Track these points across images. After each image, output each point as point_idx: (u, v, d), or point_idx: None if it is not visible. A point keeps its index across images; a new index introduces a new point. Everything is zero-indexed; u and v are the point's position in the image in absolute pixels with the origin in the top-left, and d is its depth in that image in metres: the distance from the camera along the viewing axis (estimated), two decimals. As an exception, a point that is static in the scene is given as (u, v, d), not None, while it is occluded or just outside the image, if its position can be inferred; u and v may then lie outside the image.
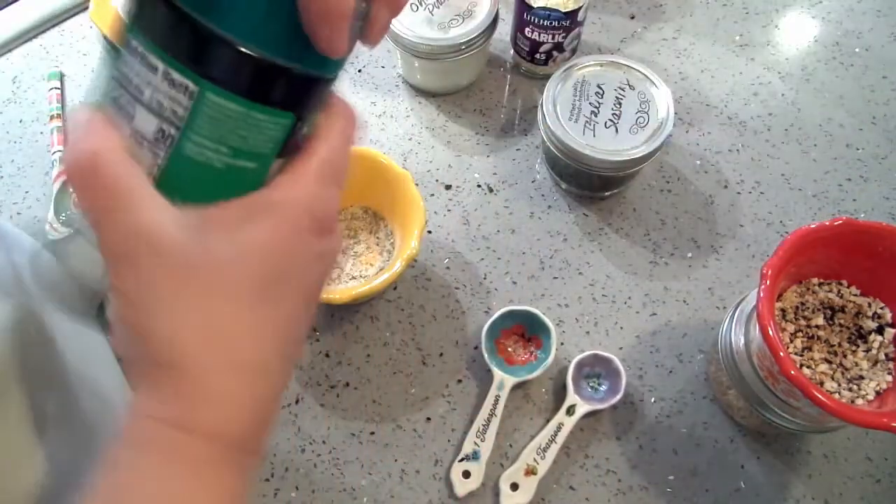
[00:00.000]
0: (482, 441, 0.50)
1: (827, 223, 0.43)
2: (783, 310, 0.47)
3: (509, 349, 0.54)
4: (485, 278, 0.58)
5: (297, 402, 0.53)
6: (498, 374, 0.52)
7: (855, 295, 0.47)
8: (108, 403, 0.42)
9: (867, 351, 0.45)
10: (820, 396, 0.38)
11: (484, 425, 0.51)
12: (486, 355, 0.52)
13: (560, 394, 0.53)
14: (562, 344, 0.55)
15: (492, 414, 0.51)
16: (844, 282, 0.48)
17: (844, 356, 0.45)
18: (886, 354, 0.45)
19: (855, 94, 0.68)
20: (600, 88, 0.57)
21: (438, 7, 0.62)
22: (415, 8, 0.62)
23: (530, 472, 0.49)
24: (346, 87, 0.69)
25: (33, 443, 0.34)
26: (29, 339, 0.35)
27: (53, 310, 0.42)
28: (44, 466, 0.34)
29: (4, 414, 0.32)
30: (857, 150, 0.65)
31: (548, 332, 0.53)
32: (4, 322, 0.33)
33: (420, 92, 0.68)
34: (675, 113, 0.59)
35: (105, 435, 0.38)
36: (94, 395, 0.40)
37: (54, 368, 0.37)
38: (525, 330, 0.55)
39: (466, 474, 0.49)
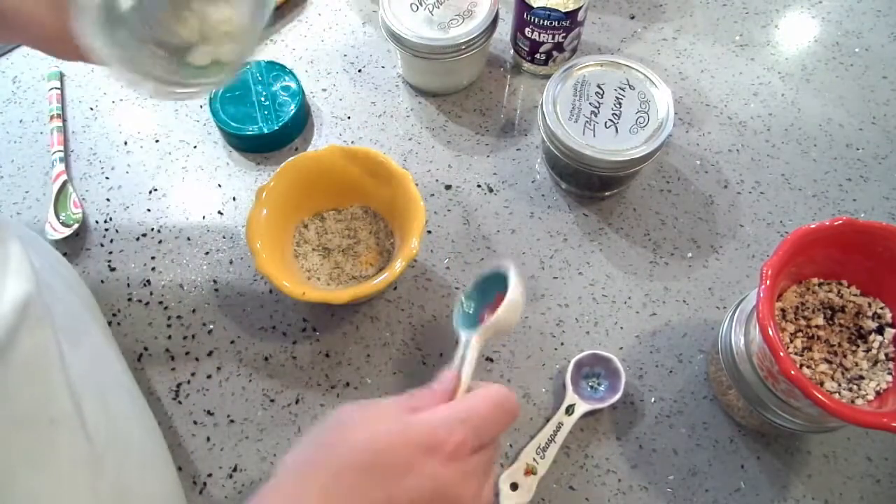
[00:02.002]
0: None
1: (827, 223, 0.43)
2: (783, 310, 0.47)
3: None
4: (485, 278, 0.58)
5: (297, 402, 0.53)
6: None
7: (855, 295, 0.47)
8: (109, 403, 0.42)
9: (867, 351, 0.45)
10: (820, 396, 0.38)
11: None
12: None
13: (559, 393, 0.53)
14: (562, 344, 0.55)
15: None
16: (844, 282, 0.48)
17: (844, 356, 0.45)
18: (886, 354, 0.45)
19: (855, 94, 0.68)
20: (600, 88, 0.57)
21: (438, 7, 0.62)
22: (415, 8, 0.62)
23: (530, 471, 0.49)
24: (346, 87, 0.69)
25: (37, 444, 0.34)
26: (36, 325, 0.35)
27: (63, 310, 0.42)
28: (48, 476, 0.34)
29: (2, 399, 0.32)
30: (857, 150, 0.65)
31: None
32: (18, 305, 0.33)
33: (420, 92, 0.68)
34: (675, 113, 0.59)
35: (108, 449, 0.38)
36: (93, 391, 0.40)
37: (58, 364, 0.37)
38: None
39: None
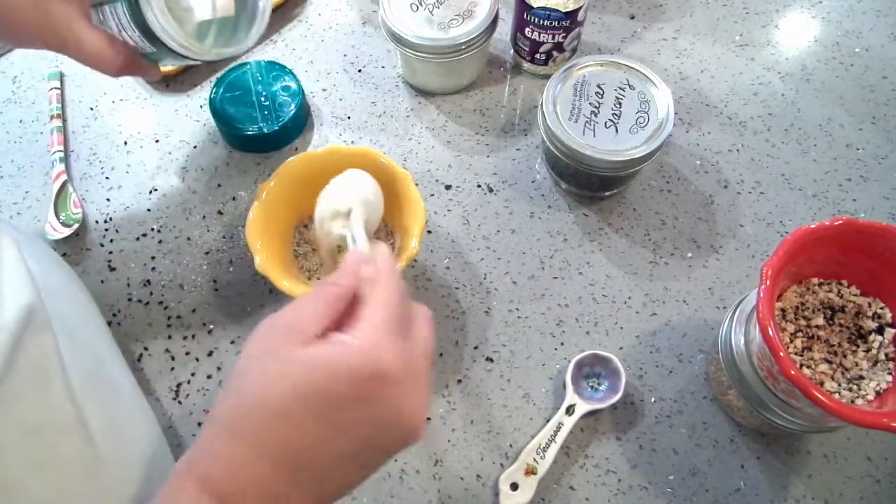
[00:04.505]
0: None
1: (827, 223, 0.43)
2: (783, 310, 0.47)
3: None
4: (485, 278, 0.58)
5: (297, 402, 0.53)
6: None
7: (855, 295, 0.47)
8: (110, 404, 0.42)
9: (867, 351, 0.45)
10: (820, 396, 0.38)
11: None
12: None
13: (560, 393, 0.53)
14: (561, 344, 0.55)
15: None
16: (844, 282, 0.48)
17: (844, 356, 0.45)
18: (886, 354, 0.45)
19: (855, 94, 0.68)
20: (600, 88, 0.57)
21: (438, 7, 0.62)
22: (415, 8, 0.62)
23: (530, 472, 0.49)
24: (346, 87, 0.69)
25: (44, 450, 0.34)
26: (36, 334, 0.35)
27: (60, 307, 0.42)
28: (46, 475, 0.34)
29: (7, 407, 0.32)
30: (857, 150, 0.65)
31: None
32: (20, 313, 0.33)
33: (420, 92, 0.68)
34: (675, 113, 0.59)
35: (111, 453, 0.38)
36: (94, 392, 0.40)
37: (60, 369, 0.37)
38: None
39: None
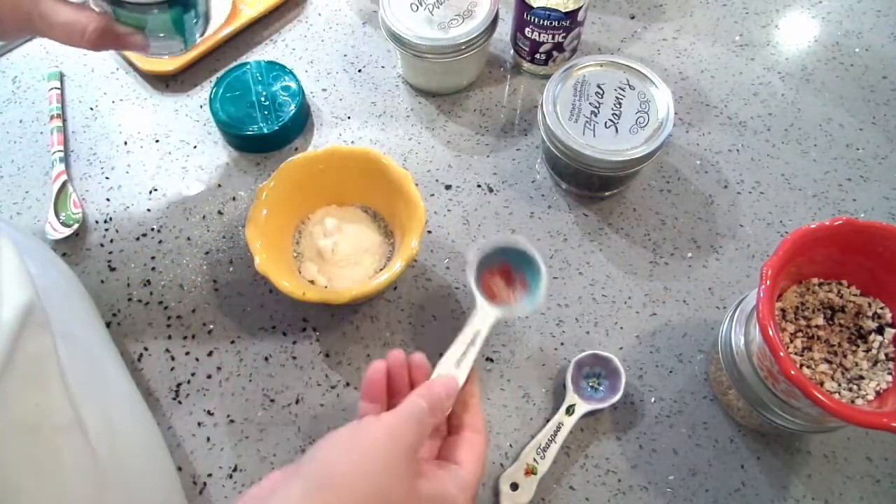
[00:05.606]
0: None
1: (827, 223, 0.43)
2: (783, 310, 0.47)
3: (493, 288, 0.47)
4: (485, 278, 0.58)
5: (297, 402, 0.53)
6: (483, 307, 0.45)
7: (855, 295, 0.47)
8: (108, 405, 0.42)
9: (867, 351, 0.45)
10: (820, 396, 0.38)
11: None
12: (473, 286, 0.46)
13: (559, 393, 0.53)
14: (561, 344, 0.55)
15: (471, 343, 0.44)
16: (844, 282, 0.48)
17: (844, 356, 0.45)
18: (886, 354, 0.45)
19: (855, 94, 0.68)
20: (600, 88, 0.57)
21: (438, 7, 0.62)
22: (415, 8, 0.62)
23: (530, 471, 0.49)
24: (346, 87, 0.69)
25: (42, 452, 0.33)
26: (34, 334, 0.35)
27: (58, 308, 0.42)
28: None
29: (5, 407, 0.32)
30: (857, 150, 0.65)
31: (535, 269, 0.46)
32: (19, 312, 0.33)
33: (420, 92, 0.68)
34: (675, 113, 0.59)
35: (109, 455, 0.38)
36: (91, 392, 0.40)
37: (58, 370, 0.37)
38: (511, 268, 0.48)
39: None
